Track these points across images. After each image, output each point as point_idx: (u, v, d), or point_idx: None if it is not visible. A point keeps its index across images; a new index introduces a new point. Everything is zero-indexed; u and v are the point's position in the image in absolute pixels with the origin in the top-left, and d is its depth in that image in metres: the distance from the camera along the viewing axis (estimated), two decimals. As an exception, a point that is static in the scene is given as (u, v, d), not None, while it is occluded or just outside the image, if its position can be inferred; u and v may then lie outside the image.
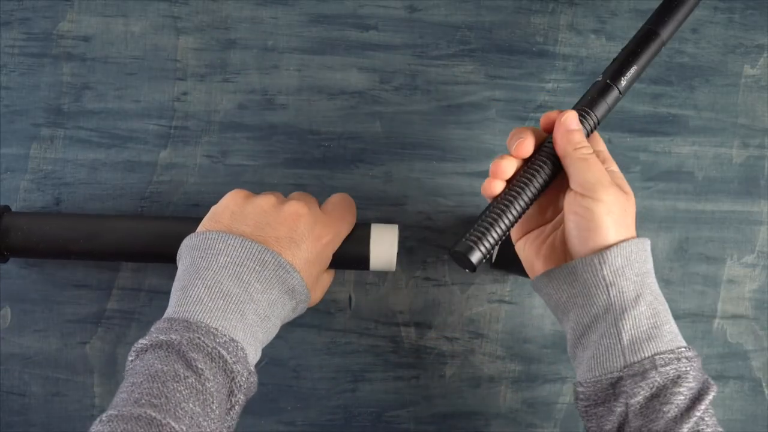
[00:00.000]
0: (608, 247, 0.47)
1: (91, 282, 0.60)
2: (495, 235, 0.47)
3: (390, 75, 0.61)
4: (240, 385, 0.45)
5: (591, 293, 0.48)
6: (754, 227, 0.62)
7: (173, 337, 0.43)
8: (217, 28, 0.61)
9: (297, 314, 0.52)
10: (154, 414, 0.40)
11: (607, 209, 0.47)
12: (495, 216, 0.47)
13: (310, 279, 0.50)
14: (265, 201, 0.50)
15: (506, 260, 0.58)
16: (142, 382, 0.42)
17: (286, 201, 0.50)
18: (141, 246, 0.54)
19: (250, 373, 0.45)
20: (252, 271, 0.47)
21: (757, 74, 0.62)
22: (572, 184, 0.48)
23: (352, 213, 0.54)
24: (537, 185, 0.48)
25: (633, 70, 0.51)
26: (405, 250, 0.60)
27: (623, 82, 0.50)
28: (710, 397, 0.45)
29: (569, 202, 0.48)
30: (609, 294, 0.47)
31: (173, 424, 0.40)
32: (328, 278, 0.55)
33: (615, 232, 0.47)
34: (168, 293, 0.59)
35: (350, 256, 0.54)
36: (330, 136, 0.61)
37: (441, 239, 0.60)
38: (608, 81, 0.50)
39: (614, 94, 0.50)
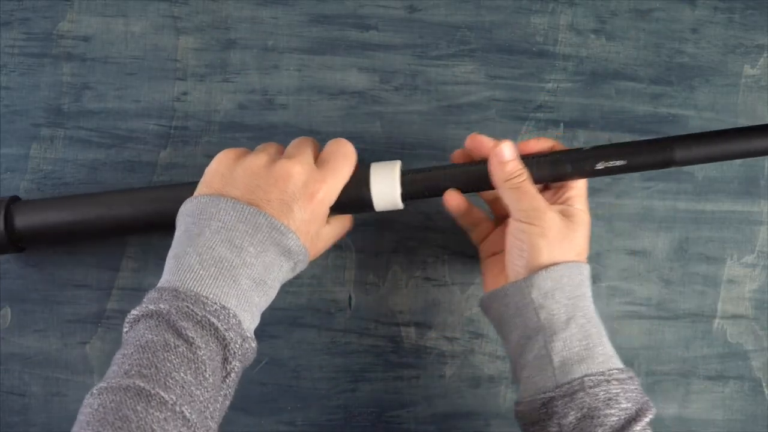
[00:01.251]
0: (538, 270, 0.48)
1: (91, 282, 0.60)
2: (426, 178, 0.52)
3: (390, 75, 0.61)
4: (234, 353, 0.44)
5: (523, 315, 0.49)
6: (754, 227, 0.62)
7: (162, 306, 0.43)
8: (217, 28, 0.61)
9: (297, 272, 0.51)
10: (143, 384, 0.39)
11: (541, 232, 0.49)
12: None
13: (307, 237, 0.48)
14: (255, 162, 0.48)
15: None
16: (132, 353, 0.42)
17: (277, 160, 0.49)
18: (153, 214, 0.53)
19: (244, 340, 0.44)
20: (245, 234, 0.45)
21: (757, 74, 0.62)
22: (510, 212, 0.51)
23: (348, 161, 0.51)
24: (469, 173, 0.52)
25: (619, 164, 0.50)
26: (405, 249, 0.60)
27: (600, 166, 0.50)
28: (647, 418, 0.45)
29: (509, 228, 0.51)
30: (539, 316, 0.48)
31: (162, 394, 0.39)
32: (331, 230, 0.53)
33: (548, 254, 0.49)
34: (168, 293, 0.60)
35: (353, 201, 0.52)
36: (330, 136, 0.60)
37: (441, 239, 0.60)
38: (588, 155, 0.50)
39: (585, 167, 0.50)
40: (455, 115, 0.61)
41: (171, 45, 0.61)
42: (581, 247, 0.51)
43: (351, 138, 0.60)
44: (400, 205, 0.52)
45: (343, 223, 0.54)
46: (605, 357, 0.47)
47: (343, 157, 0.51)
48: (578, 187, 0.52)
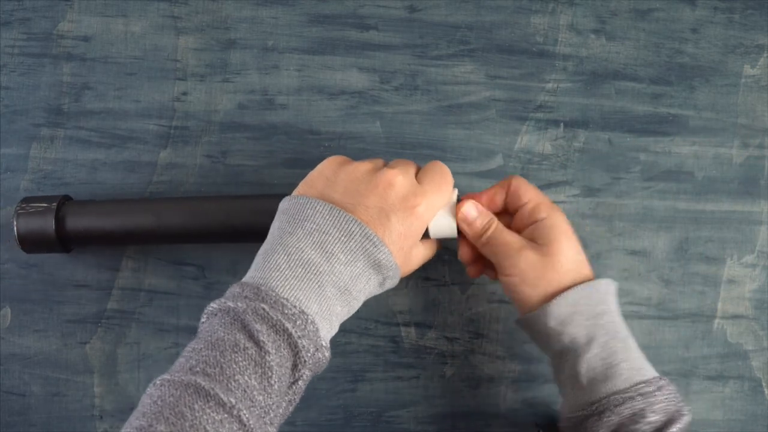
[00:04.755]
0: (553, 296, 0.49)
1: (91, 282, 0.60)
2: None
3: (390, 75, 0.61)
4: (305, 361, 0.43)
5: (548, 340, 0.50)
6: (754, 227, 0.62)
7: (240, 305, 0.43)
8: (217, 28, 0.61)
9: (385, 289, 0.50)
10: (204, 383, 0.39)
11: (520, 280, 0.50)
12: None
13: (400, 253, 0.48)
14: (359, 168, 0.48)
15: None
16: (202, 348, 0.42)
17: (381, 169, 0.48)
18: (205, 225, 0.54)
19: (317, 349, 0.44)
20: (337, 240, 0.45)
21: (757, 74, 0.62)
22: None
23: (447, 182, 0.51)
24: None
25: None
26: (405, 250, 0.60)
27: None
28: (675, 428, 0.45)
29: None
30: (561, 341, 0.49)
31: (222, 395, 0.39)
32: (424, 251, 0.53)
33: (536, 294, 0.50)
34: (167, 293, 0.60)
35: None
36: (330, 136, 0.61)
37: (441, 239, 0.60)
38: None
39: None
40: (455, 115, 0.61)
41: (171, 45, 0.61)
42: (572, 258, 0.50)
43: (351, 138, 0.61)
44: (455, 234, 0.52)
45: (432, 246, 0.54)
46: (631, 372, 0.48)
47: (443, 177, 0.50)
48: (531, 198, 0.52)
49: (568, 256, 0.50)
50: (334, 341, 0.60)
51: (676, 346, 0.61)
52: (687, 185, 0.62)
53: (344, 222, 0.45)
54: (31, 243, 0.55)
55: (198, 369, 0.40)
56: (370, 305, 0.60)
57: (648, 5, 0.62)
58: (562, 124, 0.61)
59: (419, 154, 0.61)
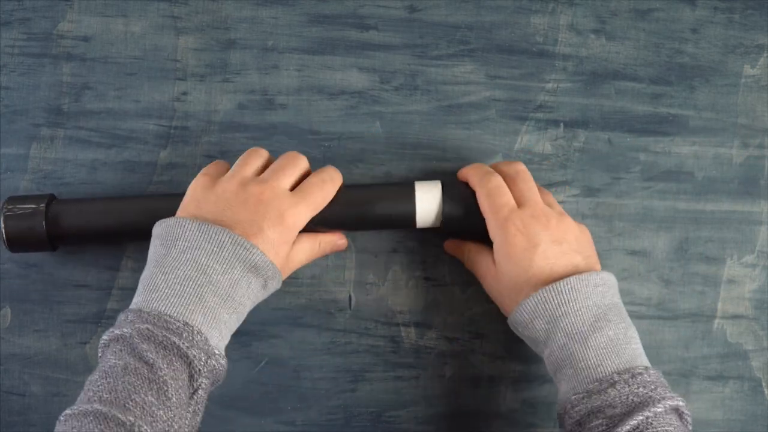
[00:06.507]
0: (516, 307, 0.51)
1: (91, 282, 0.60)
2: None
3: (390, 75, 0.61)
4: (199, 370, 0.45)
5: (527, 342, 0.54)
6: (754, 227, 0.62)
7: (125, 330, 0.45)
8: (217, 28, 0.61)
9: (270, 291, 0.52)
10: (101, 408, 0.41)
11: (493, 294, 0.56)
12: None
13: (278, 258, 0.50)
14: (227, 186, 0.50)
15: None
16: (97, 379, 0.44)
17: (249, 183, 0.50)
18: None
19: (209, 357, 0.45)
20: (210, 253, 0.47)
21: (757, 74, 0.62)
22: None
23: (323, 191, 0.52)
24: None
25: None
26: (405, 249, 0.60)
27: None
28: (635, 419, 0.45)
29: None
30: (527, 343, 0.54)
31: (119, 416, 0.41)
32: (307, 248, 0.54)
33: (507, 294, 0.53)
34: (168, 293, 0.60)
35: (396, 216, 0.54)
36: (330, 136, 0.61)
37: (441, 239, 0.60)
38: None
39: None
40: (455, 115, 0.61)
41: (171, 45, 0.61)
42: (521, 273, 0.51)
43: (351, 138, 0.61)
44: (438, 224, 0.55)
45: (316, 243, 0.55)
46: (587, 370, 0.48)
47: (320, 184, 0.52)
48: (486, 218, 0.53)
49: (515, 272, 0.52)
50: (335, 341, 0.60)
51: (676, 346, 0.61)
52: (687, 185, 0.62)
53: (214, 234, 0.47)
54: (20, 244, 0.55)
55: (95, 398, 0.42)
56: (370, 305, 0.60)
57: (648, 5, 0.62)
58: (562, 124, 0.61)
59: (419, 154, 0.61)
